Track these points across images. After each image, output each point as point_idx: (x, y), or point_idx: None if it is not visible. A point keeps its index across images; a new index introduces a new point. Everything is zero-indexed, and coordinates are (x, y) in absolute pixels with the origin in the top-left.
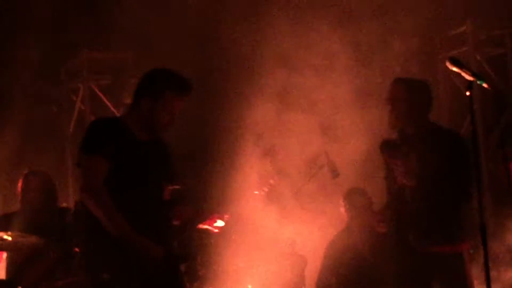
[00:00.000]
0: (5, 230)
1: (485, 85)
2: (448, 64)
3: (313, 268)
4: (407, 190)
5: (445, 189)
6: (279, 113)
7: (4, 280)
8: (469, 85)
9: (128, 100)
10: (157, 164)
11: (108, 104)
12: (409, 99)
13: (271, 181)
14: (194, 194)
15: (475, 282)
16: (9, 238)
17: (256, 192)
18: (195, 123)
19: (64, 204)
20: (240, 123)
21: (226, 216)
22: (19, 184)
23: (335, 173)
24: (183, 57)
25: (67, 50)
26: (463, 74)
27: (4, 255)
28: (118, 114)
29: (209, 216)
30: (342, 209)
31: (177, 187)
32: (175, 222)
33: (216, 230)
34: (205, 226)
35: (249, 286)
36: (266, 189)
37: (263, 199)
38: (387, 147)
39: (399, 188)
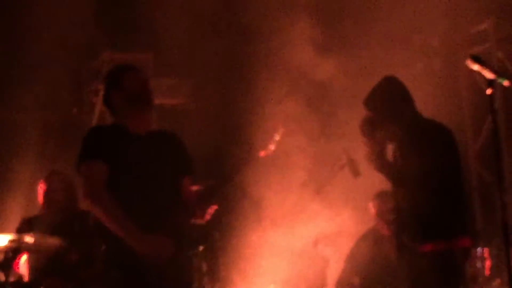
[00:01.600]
0: (27, 232)
1: (506, 83)
2: (469, 62)
3: (334, 268)
4: (398, 190)
5: (432, 185)
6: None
7: (27, 282)
8: (490, 83)
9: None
10: (162, 157)
11: None
12: (391, 102)
13: (276, 137)
14: (215, 194)
15: (498, 281)
16: (31, 240)
17: (261, 154)
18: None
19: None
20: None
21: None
22: (41, 185)
23: (356, 173)
24: (203, 57)
25: (88, 51)
26: (484, 72)
27: (25, 256)
28: None
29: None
30: (372, 211)
31: (196, 187)
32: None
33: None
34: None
35: (272, 286)
36: (272, 147)
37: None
38: (367, 124)
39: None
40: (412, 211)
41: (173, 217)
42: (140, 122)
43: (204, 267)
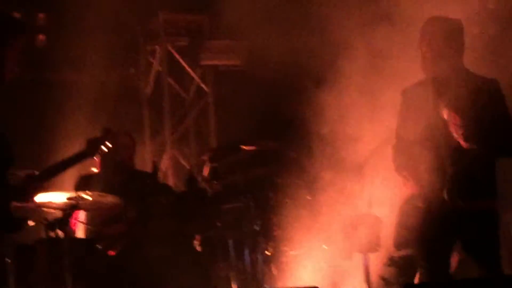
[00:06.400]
0: (84, 190)
1: None
2: None
3: (388, 229)
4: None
5: (481, 142)
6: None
7: (83, 239)
8: None
9: (205, 62)
10: None
11: (185, 65)
12: (449, 38)
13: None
14: (269, 155)
15: None
16: (89, 198)
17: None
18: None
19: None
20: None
21: None
22: None
23: None
24: (259, 19)
25: (144, 11)
26: None
27: (83, 214)
28: (194, 75)
29: None
30: None
31: (251, 148)
32: None
33: None
34: None
35: (324, 247)
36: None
37: None
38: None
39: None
40: (468, 169)
41: None
42: None
43: (258, 226)
